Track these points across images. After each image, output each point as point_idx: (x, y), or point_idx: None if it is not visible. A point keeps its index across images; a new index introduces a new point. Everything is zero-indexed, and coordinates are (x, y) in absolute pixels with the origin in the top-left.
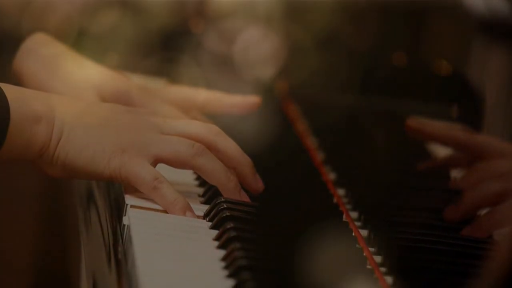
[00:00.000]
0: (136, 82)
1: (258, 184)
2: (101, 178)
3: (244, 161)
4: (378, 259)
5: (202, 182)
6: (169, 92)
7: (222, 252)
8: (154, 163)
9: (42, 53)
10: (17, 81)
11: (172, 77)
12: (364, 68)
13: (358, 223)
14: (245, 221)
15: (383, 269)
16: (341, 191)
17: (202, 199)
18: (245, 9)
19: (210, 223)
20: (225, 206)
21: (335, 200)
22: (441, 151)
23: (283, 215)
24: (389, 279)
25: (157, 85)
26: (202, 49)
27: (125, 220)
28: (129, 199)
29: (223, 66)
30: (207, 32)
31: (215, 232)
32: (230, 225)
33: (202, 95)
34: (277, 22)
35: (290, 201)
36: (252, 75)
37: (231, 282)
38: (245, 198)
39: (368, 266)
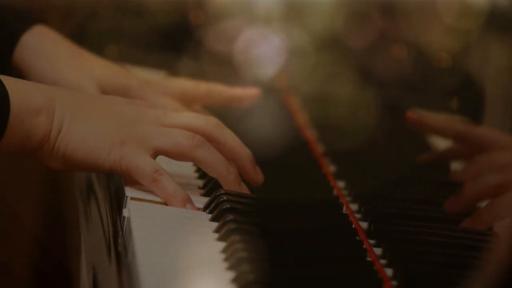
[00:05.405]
0: (137, 75)
1: (258, 176)
2: (101, 170)
3: (244, 153)
4: (378, 251)
5: (202, 174)
6: (169, 85)
7: (222, 244)
8: (154, 155)
9: (42, 45)
10: (18, 73)
11: (172, 70)
12: (364, 61)
13: (358, 215)
14: (245, 213)
15: (383, 261)
16: (341, 183)
17: (202, 191)
18: (244, 4)
19: (210, 215)
20: (225, 198)
21: (335, 192)
22: (441, 143)
23: (283, 207)
24: (389, 271)
25: (157, 78)
26: (202, 42)
27: (125, 212)
28: (129, 191)
29: (223, 59)
30: (207, 25)
31: (215, 224)
32: (230, 217)
33: (202, 88)
34: (277, 18)
35: (290, 193)
36: (252, 70)
37: (231, 274)
38: (245, 190)
39: (368, 258)
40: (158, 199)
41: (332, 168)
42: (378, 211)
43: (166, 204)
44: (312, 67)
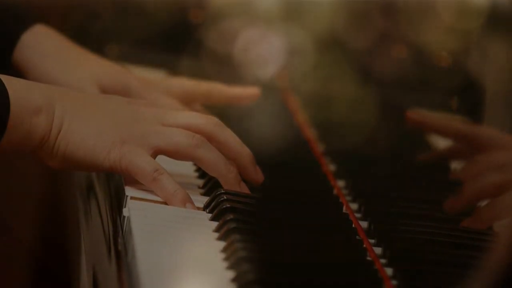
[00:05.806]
0: (137, 74)
1: (258, 175)
2: (101, 169)
3: (244, 152)
4: (378, 250)
5: (202, 173)
6: (169, 84)
7: (222, 244)
8: (154, 155)
9: (42, 45)
10: (18, 73)
11: (172, 70)
12: (365, 61)
13: (358, 215)
14: (245, 212)
15: (383, 261)
16: (341, 183)
17: (202, 190)
18: (244, 4)
19: (210, 215)
20: (225, 197)
21: (335, 191)
22: (441, 143)
23: (283, 206)
24: (389, 271)
25: (158, 77)
26: (202, 41)
27: (125, 212)
28: (129, 191)
29: (223, 58)
30: (207, 25)
31: (215, 224)
32: (230, 216)
33: (203, 87)
34: (277, 18)
35: (290, 193)
36: (252, 69)
37: (231, 273)
38: (245, 189)
39: (368, 258)
40: (158, 199)
41: (332, 167)
42: (378, 210)
43: (166, 203)
44: (312, 67)
